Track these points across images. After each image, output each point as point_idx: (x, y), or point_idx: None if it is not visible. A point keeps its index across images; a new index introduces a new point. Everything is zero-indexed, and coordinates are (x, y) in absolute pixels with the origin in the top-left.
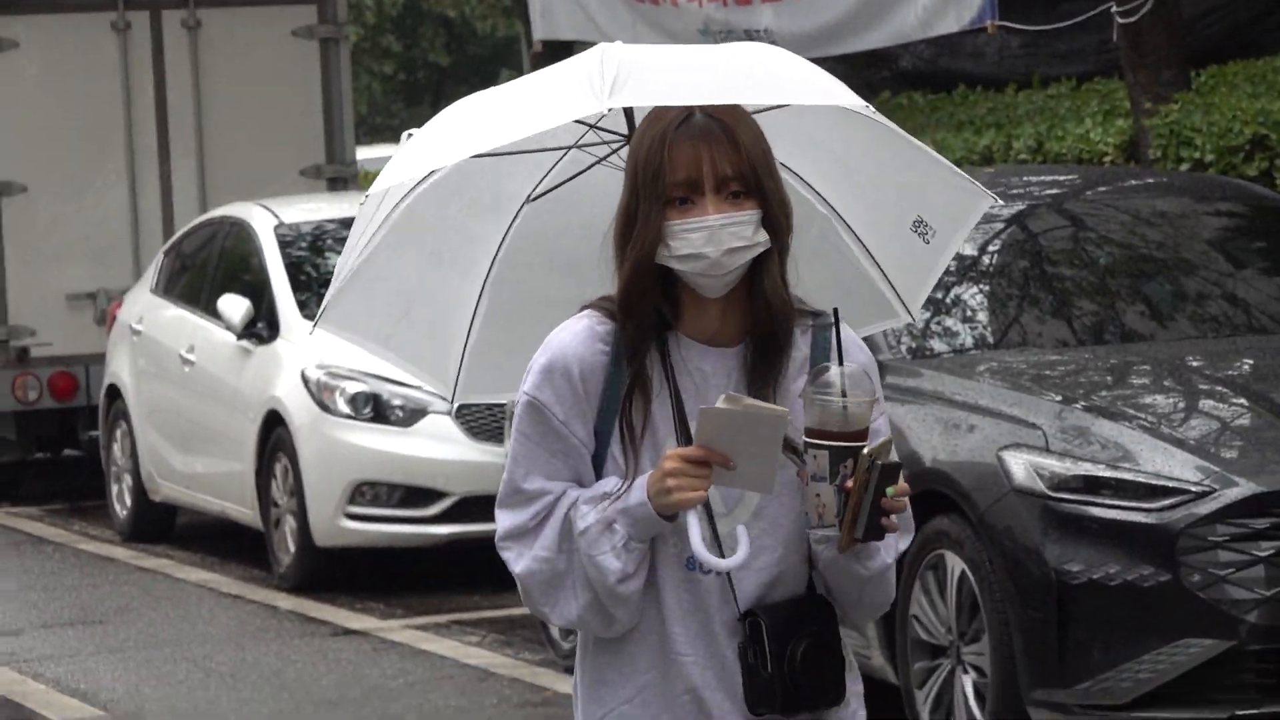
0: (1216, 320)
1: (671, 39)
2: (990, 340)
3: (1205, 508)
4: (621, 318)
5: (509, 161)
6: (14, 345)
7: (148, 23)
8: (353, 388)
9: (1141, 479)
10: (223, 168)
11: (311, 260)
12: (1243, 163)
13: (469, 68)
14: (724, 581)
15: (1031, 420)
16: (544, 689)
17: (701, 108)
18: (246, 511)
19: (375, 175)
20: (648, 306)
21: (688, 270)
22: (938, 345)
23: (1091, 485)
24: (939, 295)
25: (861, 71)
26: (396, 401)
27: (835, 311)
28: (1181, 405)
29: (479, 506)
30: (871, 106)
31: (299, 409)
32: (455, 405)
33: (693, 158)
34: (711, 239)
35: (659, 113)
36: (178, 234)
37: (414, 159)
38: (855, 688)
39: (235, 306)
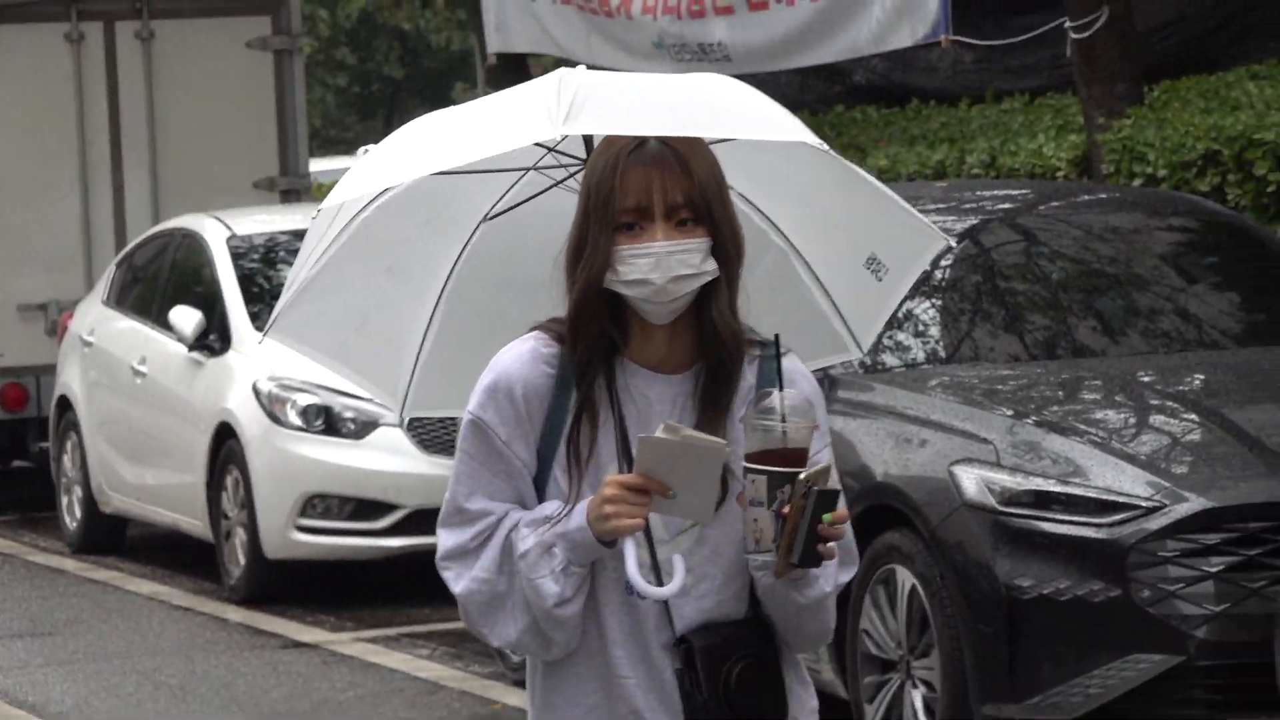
0: (1168, 335)
1: (626, 51)
2: (942, 355)
3: (1155, 523)
4: (570, 341)
5: (467, 180)
6: None
7: (101, 34)
8: (304, 400)
9: (1092, 494)
10: (176, 179)
11: (264, 272)
12: (1195, 178)
13: (423, 81)
14: (662, 606)
15: (983, 435)
16: (493, 702)
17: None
18: (197, 523)
19: (329, 188)
20: (596, 330)
21: (634, 295)
22: (890, 360)
23: (1042, 500)
24: None
25: (815, 86)
26: (348, 414)
27: (776, 339)
28: (1133, 420)
29: (430, 519)
30: (827, 146)
31: (250, 421)
32: (405, 419)
33: (643, 184)
34: (658, 265)
35: (614, 137)
36: (130, 245)
37: (369, 175)
38: (810, 703)
39: (187, 318)
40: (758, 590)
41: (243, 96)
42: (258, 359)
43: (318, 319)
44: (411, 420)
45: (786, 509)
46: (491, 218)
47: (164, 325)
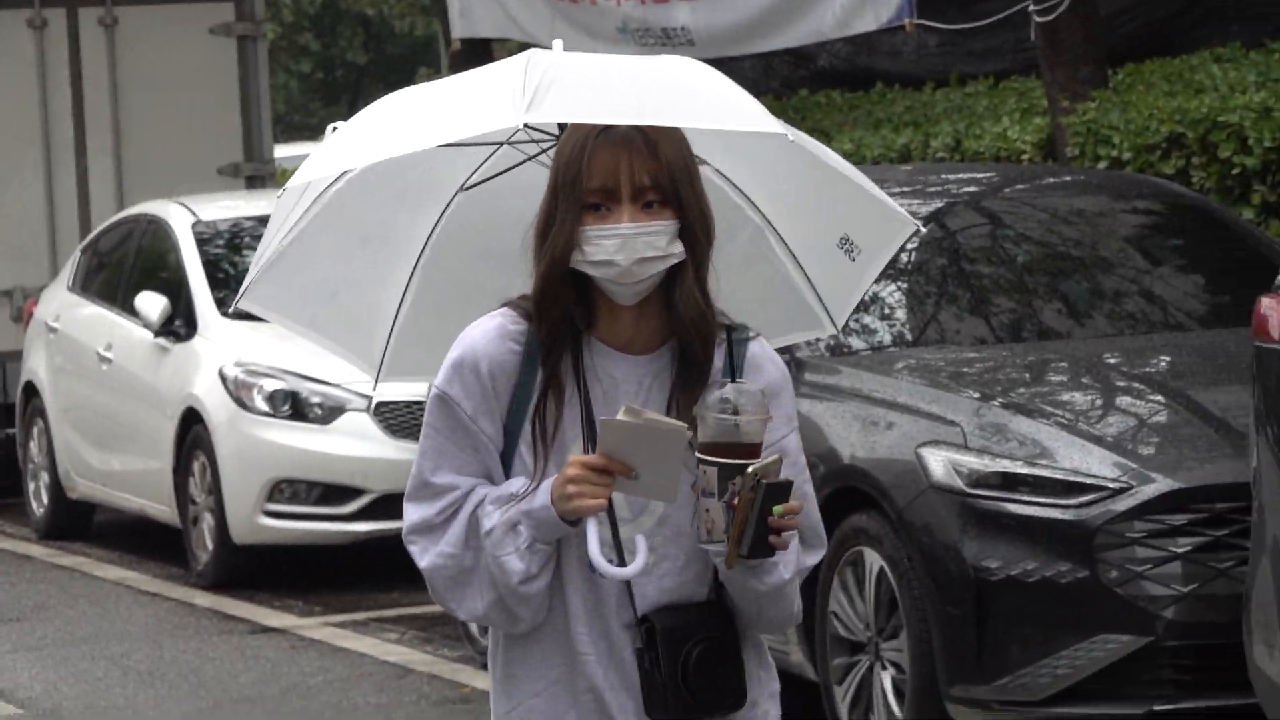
0: (1133, 317)
1: (590, 36)
2: (909, 337)
3: (1123, 504)
4: (536, 318)
5: (443, 150)
6: None
7: (64, 20)
8: (271, 385)
9: (1059, 476)
10: (140, 165)
11: (229, 258)
12: (1159, 161)
13: (387, 66)
14: (624, 585)
15: (950, 417)
16: (463, 685)
17: None
18: (164, 509)
19: (293, 173)
20: (561, 309)
21: (599, 276)
22: (856, 342)
23: (1009, 482)
24: None
25: (780, 70)
26: (315, 399)
27: (729, 330)
28: (1099, 402)
29: (397, 504)
30: (794, 130)
31: (217, 406)
32: (378, 385)
33: (611, 165)
34: (624, 247)
35: None
36: (95, 231)
37: (336, 154)
38: (772, 686)
39: (153, 304)
40: (720, 576)
41: (207, 83)
42: (224, 344)
43: (290, 288)
44: (378, 405)
45: (736, 501)
46: (469, 188)
47: (130, 311)
